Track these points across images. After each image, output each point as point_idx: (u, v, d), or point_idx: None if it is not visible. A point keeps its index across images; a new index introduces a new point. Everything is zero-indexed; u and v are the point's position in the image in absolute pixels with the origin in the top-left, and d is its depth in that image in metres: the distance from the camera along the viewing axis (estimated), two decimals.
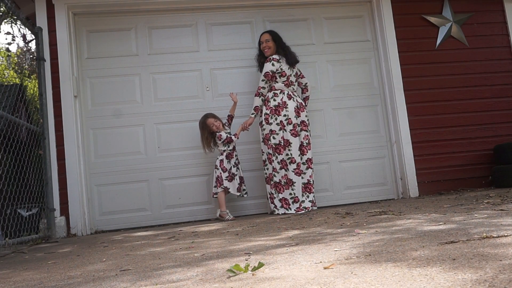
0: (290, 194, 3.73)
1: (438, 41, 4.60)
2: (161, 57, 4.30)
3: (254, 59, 4.15)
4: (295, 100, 3.85)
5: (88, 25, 4.24)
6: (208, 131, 3.85)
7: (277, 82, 3.85)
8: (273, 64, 3.82)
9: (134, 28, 4.31)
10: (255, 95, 3.85)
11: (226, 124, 4.00)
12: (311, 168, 3.83)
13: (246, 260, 1.66)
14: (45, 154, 3.71)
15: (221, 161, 3.83)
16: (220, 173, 3.79)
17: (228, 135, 3.86)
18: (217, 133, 3.85)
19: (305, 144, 3.82)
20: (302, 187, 3.77)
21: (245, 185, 3.91)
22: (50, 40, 3.98)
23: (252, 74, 4.37)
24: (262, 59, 4.02)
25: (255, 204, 4.17)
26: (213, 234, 2.77)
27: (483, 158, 4.49)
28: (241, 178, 3.88)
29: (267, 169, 3.83)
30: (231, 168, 3.82)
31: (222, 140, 3.84)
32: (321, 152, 4.31)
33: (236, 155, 3.92)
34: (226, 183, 3.75)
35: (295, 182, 3.72)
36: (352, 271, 1.26)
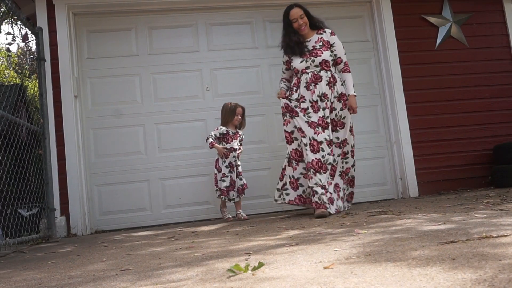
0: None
1: (438, 41, 4.60)
2: (161, 57, 4.30)
3: (278, 46, 3.55)
4: None
5: (89, 25, 4.25)
6: (230, 119, 3.76)
7: None
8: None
9: (134, 28, 4.32)
10: (348, 71, 3.42)
11: (239, 139, 3.83)
12: None
13: (246, 260, 1.66)
14: (45, 154, 3.72)
15: (216, 160, 3.74)
16: (216, 173, 3.72)
17: (212, 139, 3.69)
18: (219, 127, 3.77)
19: None
20: None
21: (235, 192, 3.70)
22: (51, 40, 3.98)
23: (252, 74, 4.37)
24: (293, 38, 3.40)
25: (255, 204, 4.17)
26: (213, 234, 2.77)
27: (482, 158, 4.49)
28: (233, 181, 3.68)
29: (347, 162, 3.43)
30: (220, 169, 3.69)
31: (212, 134, 3.72)
32: None
33: (234, 156, 3.73)
34: (220, 184, 3.65)
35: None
36: (352, 271, 1.26)
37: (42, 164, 3.74)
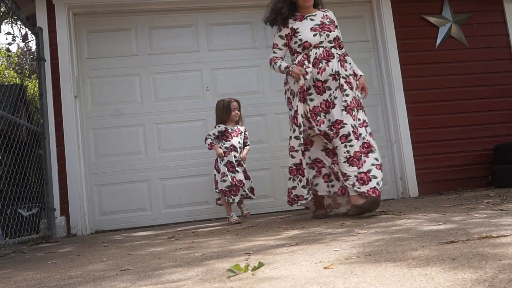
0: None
1: (438, 41, 4.60)
2: (161, 57, 4.30)
3: (263, 20, 3.15)
4: None
5: (88, 25, 4.25)
6: (227, 116, 3.52)
7: None
8: None
9: (134, 28, 4.32)
10: (348, 56, 3.12)
11: (241, 136, 3.57)
12: None
13: (246, 260, 1.66)
14: (45, 154, 3.72)
15: (216, 160, 3.50)
16: (215, 174, 3.48)
17: (211, 139, 3.47)
18: (219, 125, 3.52)
19: None
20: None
21: (244, 190, 3.40)
22: (51, 40, 3.98)
23: (252, 74, 4.37)
24: (287, 9, 3.01)
25: (254, 204, 4.17)
26: (213, 234, 2.77)
27: (482, 158, 4.49)
28: (238, 181, 3.38)
29: (351, 146, 2.81)
30: (223, 167, 3.40)
31: (210, 133, 3.50)
32: None
33: (235, 156, 3.45)
34: (220, 185, 3.39)
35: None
36: (352, 271, 1.26)
37: (42, 164, 3.74)
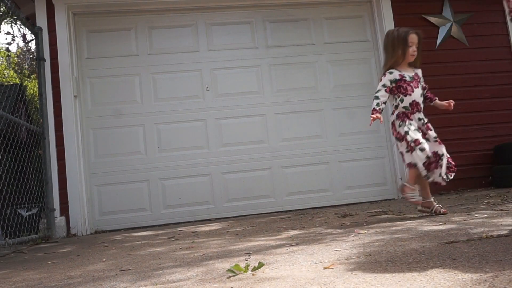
0: None
1: (438, 41, 4.60)
2: (161, 57, 4.30)
3: None
4: None
5: (88, 25, 4.24)
6: (402, 53, 2.56)
7: None
8: None
9: (134, 28, 4.31)
10: None
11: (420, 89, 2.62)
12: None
13: (246, 260, 1.66)
14: (45, 154, 3.72)
15: (393, 124, 2.55)
16: (397, 143, 2.54)
17: (380, 102, 2.47)
18: (390, 71, 2.55)
19: None
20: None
21: (442, 168, 2.49)
22: (50, 40, 3.98)
23: (252, 74, 4.36)
24: None
25: (255, 204, 4.17)
26: (213, 234, 2.77)
27: (483, 158, 4.49)
28: (435, 154, 2.47)
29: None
30: (406, 134, 2.45)
31: (380, 89, 2.54)
32: (321, 152, 4.31)
33: (419, 118, 2.56)
34: (408, 158, 2.44)
35: None
36: (352, 271, 1.26)
37: (41, 164, 3.74)
